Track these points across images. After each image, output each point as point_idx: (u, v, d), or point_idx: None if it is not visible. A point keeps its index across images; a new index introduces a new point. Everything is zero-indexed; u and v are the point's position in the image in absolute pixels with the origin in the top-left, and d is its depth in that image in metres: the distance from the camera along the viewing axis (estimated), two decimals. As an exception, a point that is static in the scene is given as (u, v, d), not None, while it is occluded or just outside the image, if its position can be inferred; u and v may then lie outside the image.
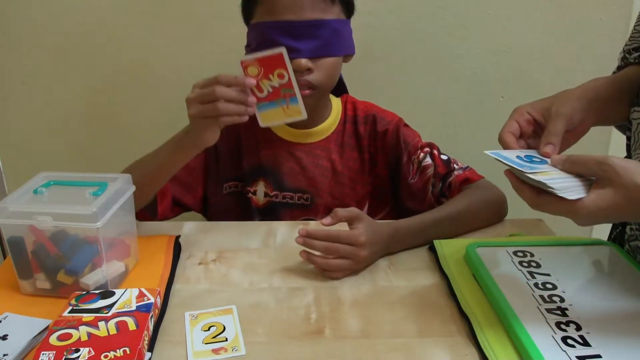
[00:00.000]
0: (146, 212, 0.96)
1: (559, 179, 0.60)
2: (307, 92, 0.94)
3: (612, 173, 0.57)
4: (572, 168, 0.61)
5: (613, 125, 0.80)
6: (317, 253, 0.79)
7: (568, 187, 0.58)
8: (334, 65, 0.96)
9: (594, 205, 0.57)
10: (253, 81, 0.76)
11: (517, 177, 0.62)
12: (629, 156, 0.79)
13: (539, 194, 0.60)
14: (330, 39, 0.93)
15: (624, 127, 0.78)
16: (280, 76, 0.74)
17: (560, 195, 0.57)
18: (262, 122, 0.79)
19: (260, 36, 0.93)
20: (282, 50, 0.72)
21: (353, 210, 0.81)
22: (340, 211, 0.80)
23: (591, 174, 0.60)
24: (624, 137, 0.80)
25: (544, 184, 0.58)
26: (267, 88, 0.75)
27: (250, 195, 1.06)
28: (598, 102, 0.71)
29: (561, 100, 0.70)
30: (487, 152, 0.65)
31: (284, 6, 0.90)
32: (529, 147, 0.70)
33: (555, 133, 0.67)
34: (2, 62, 1.40)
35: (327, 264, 0.78)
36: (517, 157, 0.65)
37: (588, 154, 0.61)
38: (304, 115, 0.80)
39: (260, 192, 1.05)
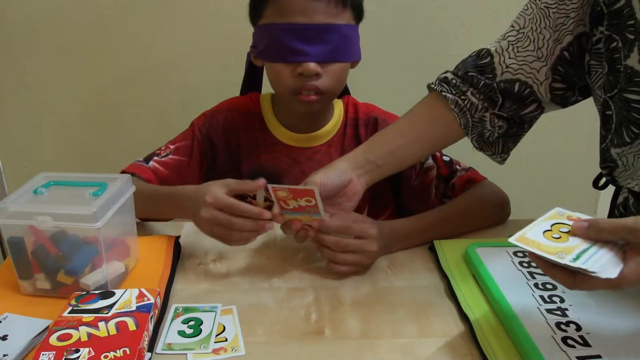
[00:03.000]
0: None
1: (592, 256, 0.56)
2: (313, 97, 0.93)
3: None
4: (600, 236, 0.58)
5: (409, 166, 0.92)
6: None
7: (604, 263, 0.55)
8: (342, 70, 0.95)
9: (635, 274, 0.55)
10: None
11: (545, 261, 0.58)
12: (615, 184, 0.80)
13: (575, 276, 0.57)
14: (340, 44, 0.92)
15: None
16: (308, 200, 0.76)
17: (602, 277, 0.55)
18: (285, 220, 0.80)
19: (269, 38, 0.92)
20: (316, 189, 0.74)
21: (351, 215, 0.81)
22: (335, 220, 0.79)
23: (622, 241, 0.57)
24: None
25: (585, 270, 0.55)
26: (294, 204, 0.77)
27: (249, 199, 1.05)
28: (367, 161, 0.82)
29: (322, 169, 0.80)
30: (511, 239, 0.60)
31: (296, 8, 0.89)
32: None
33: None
34: (2, 62, 1.40)
35: (334, 256, 0.78)
36: (544, 233, 0.60)
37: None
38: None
39: (260, 196, 1.04)
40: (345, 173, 0.80)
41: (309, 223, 0.79)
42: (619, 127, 0.73)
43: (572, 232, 0.59)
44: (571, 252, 0.57)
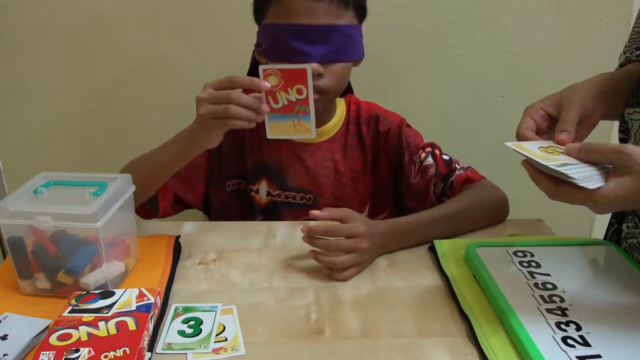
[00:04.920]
0: (147, 208, 0.96)
1: (577, 168, 0.60)
2: (316, 96, 0.93)
3: (630, 161, 0.57)
4: (588, 156, 0.61)
5: (617, 119, 0.81)
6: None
7: (587, 176, 0.59)
8: (344, 70, 0.96)
9: (613, 194, 0.58)
10: (268, 85, 0.75)
11: (535, 168, 0.62)
12: None
13: (558, 184, 0.60)
14: (342, 45, 0.92)
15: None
16: (299, 92, 0.74)
17: (581, 185, 0.58)
18: (270, 133, 0.78)
19: (272, 38, 0.93)
20: (308, 67, 0.73)
21: (344, 209, 0.82)
22: (332, 210, 0.81)
23: (608, 162, 0.60)
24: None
25: (564, 174, 0.58)
26: (283, 100, 0.75)
27: (252, 193, 1.06)
28: (605, 94, 0.72)
29: (571, 92, 0.71)
30: (507, 143, 0.65)
31: (298, 10, 0.90)
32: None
33: (569, 121, 0.68)
34: (2, 62, 1.40)
35: (333, 262, 0.78)
36: (539, 148, 0.65)
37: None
38: (313, 135, 0.79)
39: (262, 190, 1.06)
40: (598, 100, 0.73)
41: (298, 135, 0.77)
42: (637, 88, 0.75)
43: (565, 152, 0.64)
44: (558, 161, 0.61)
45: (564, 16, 1.37)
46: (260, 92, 0.78)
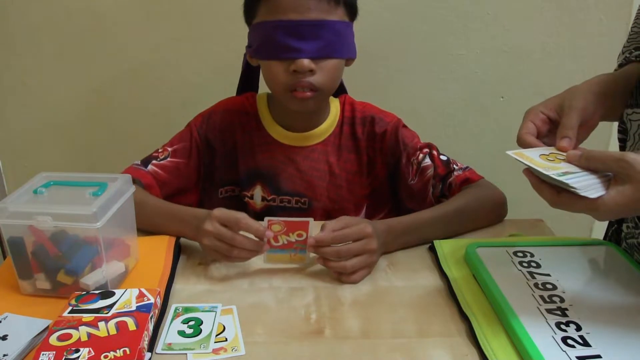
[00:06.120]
0: None
1: (578, 177, 0.60)
2: (308, 94, 0.93)
3: (631, 170, 0.57)
4: (589, 164, 0.61)
5: (616, 120, 0.81)
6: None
7: (588, 185, 0.59)
8: (336, 67, 0.95)
9: (614, 202, 0.58)
10: (272, 234, 0.78)
11: (536, 177, 0.62)
12: None
13: (559, 193, 0.61)
14: (333, 41, 0.92)
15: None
16: (300, 235, 0.78)
17: (582, 194, 0.58)
18: (266, 261, 0.81)
19: (262, 36, 0.93)
20: (310, 219, 0.77)
21: (340, 218, 0.81)
22: (329, 223, 0.79)
23: (609, 170, 0.60)
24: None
25: (566, 184, 0.59)
26: (283, 240, 0.79)
27: (247, 199, 1.05)
28: (604, 96, 0.72)
29: (572, 95, 0.71)
30: (508, 152, 0.65)
31: (288, 6, 0.89)
32: (547, 146, 0.70)
33: (571, 126, 0.68)
34: (2, 62, 1.40)
35: (343, 267, 0.77)
36: (540, 155, 0.65)
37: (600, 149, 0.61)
38: (307, 262, 0.82)
39: (257, 196, 1.05)
40: (598, 102, 0.72)
41: (292, 264, 0.81)
42: (636, 89, 0.75)
43: (566, 160, 0.64)
44: (560, 169, 0.61)
45: (564, 16, 1.37)
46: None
